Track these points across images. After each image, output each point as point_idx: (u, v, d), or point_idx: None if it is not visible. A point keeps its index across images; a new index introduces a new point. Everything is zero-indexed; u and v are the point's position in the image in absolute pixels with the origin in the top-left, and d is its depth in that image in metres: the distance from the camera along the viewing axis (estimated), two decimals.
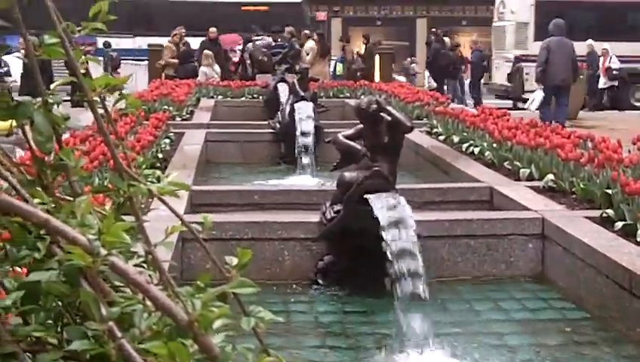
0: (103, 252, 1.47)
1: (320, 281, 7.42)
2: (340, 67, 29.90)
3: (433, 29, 30.48)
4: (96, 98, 1.72)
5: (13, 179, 1.62)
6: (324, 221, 7.48)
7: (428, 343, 5.99)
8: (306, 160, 13.43)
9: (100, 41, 32.52)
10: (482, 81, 31.16)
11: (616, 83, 28.16)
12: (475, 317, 6.81)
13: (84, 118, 5.04)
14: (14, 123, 1.76)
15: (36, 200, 1.65)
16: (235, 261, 1.65)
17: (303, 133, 13.65)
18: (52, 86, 1.78)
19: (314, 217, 7.65)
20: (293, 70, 16.36)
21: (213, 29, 26.83)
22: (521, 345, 6.19)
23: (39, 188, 1.71)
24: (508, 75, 29.10)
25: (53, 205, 1.67)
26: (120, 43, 33.77)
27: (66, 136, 1.93)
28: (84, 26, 1.78)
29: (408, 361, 5.87)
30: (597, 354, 6.03)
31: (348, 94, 19.85)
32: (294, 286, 7.45)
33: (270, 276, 7.37)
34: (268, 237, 7.58)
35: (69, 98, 14.47)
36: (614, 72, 27.79)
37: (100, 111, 1.73)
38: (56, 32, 1.65)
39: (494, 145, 11.04)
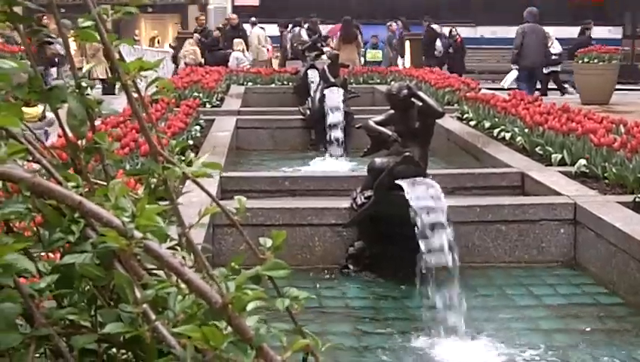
0: (138, 235, 1.47)
1: (351, 267, 7.42)
2: (372, 53, 29.77)
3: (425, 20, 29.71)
4: (130, 82, 1.72)
5: (46, 162, 1.62)
6: (354, 207, 7.47)
7: (460, 328, 5.99)
8: (336, 146, 13.41)
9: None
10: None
11: (558, 68, 26.99)
12: (507, 302, 6.79)
13: (117, 103, 5.05)
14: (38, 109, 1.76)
15: (70, 184, 1.65)
16: (269, 243, 1.64)
17: (333, 120, 13.63)
18: (85, 69, 1.78)
19: (345, 203, 7.65)
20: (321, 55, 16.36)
21: (233, 15, 26.65)
22: (553, 330, 6.17)
23: (73, 172, 1.72)
24: None
25: (86, 189, 1.68)
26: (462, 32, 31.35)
27: (96, 123, 1.92)
28: (117, 10, 1.77)
29: (441, 347, 5.86)
30: (630, 339, 6.00)
31: (378, 80, 19.79)
32: (325, 272, 7.46)
33: (301, 262, 7.38)
34: (299, 223, 7.58)
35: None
36: (553, 57, 26.76)
37: (134, 95, 1.73)
38: (90, 15, 1.66)
39: (526, 130, 10.99)
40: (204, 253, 1.63)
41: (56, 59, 21.54)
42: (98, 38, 1.68)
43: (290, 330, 1.57)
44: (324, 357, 1.58)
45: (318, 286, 7.15)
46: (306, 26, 25.77)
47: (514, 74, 21.61)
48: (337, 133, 13.54)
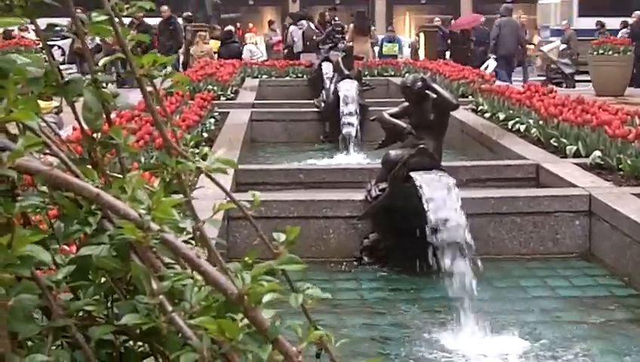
0: (155, 227, 1.48)
1: (365, 259, 7.42)
2: (388, 47, 29.71)
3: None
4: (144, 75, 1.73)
5: (63, 155, 1.63)
6: (369, 199, 7.47)
7: (475, 320, 5.98)
8: (350, 138, 13.41)
9: None
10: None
11: None
12: (522, 294, 6.79)
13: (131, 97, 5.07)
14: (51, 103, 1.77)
15: (86, 178, 1.66)
16: (282, 237, 1.65)
17: (348, 112, 13.62)
18: (101, 62, 1.79)
19: (359, 195, 7.65)
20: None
21: (164, 8, 25.77)
22: (568, 322, 6.16)
23: (89, 166, 1.73)
24: None
25: (102, 182, 1.69)
26: None
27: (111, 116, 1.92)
28: (132, 4, 1.78)
29: (456, 338, 5.87)
30: None
31: (392, 72, 19.79)
32: (340, 264, 7.46)
33: (316, 254, 7.39)
34: (313, 215, 7.59)
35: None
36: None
37: (149, 88, 1.73)
38: (104, 10, 1.66)
39: (540, 122, 10.97)
40: (219, 248, 1.64)
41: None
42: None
43: (304, 325, 1.58)
44: (337, 351, 1.59)
45: (332, 278, 7.16)
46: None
47: (493, 63, 23.78)
48: (350, 126, 13.53)
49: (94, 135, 1.73)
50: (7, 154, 1.46)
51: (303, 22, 25.64)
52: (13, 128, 1.61)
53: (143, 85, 1.69)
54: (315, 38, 23.68)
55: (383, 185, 7.38)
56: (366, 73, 18.04)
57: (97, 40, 22.55)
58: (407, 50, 32.30)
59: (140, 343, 1.61)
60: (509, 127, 11.70)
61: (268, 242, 1.64)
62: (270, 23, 30.87)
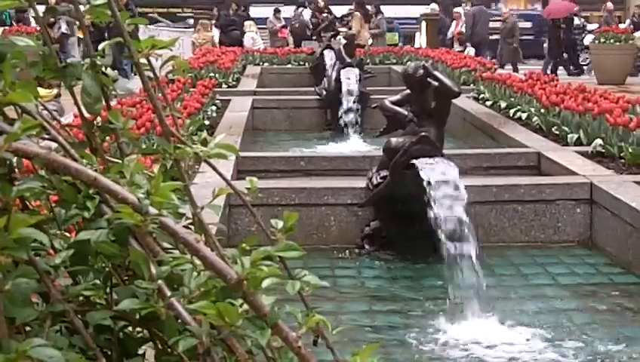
0: (153, 211, 1.47)
1: (367, 247, 7.42)
2: (388, 37, 29.60)
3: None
4: (144, 60, 1.71)
5: (62, 139, 1.63)
6: (370, 187, 7.46)
7: (476, 307, 5.98)
8: (351, 126, 13.40)
9: None
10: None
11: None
12: (523, 281, 6.79)
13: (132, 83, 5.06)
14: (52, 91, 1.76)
15: (84, 162, 1.65)
16: (280, 224, 1.64)
17: (349, 99, 13.62)
18: (100, 47, 1.78)
19: (360, 183, 7.64)
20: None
21: None
22: (569, 310, 6.16)
23: (88, 151, 1.72)
24: None
25: (101, 167, 1.68)
26: None
27: (113, 103, 1.89)
28: None
29: (456, 326, 5.87)
30: None
31: (394, 60, 19.76)
32: (341, 251, 7.46)
33: (317, 242, 7.38)
34: (314, 202, 7.58)
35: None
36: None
37: (149, 74, 1.72)
38: None
39: (542, 110, 10.95)
40: (220, 234, 1.63)
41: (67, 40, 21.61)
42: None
43: (303, 312, 1.57)
44: (337, 338, 1.58)
45: (333, 265, 7.15)
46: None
47: (472, 50, 24.43)
48: (352, 114, 13.52)
49: (93, 120, 1.72)
50: (3, 137, 1.45)
51: (299, 9, 25.93)
52: (12, 113, 1.60)
53: (141, 70, 1.69)
54: (294, 23, 24.21)
55: (384, 173, 7.36)
56: (368, 61, 18.02)
57: (63, 29, 22.57)
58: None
59: (138, 328, 1.60)
60: (511, 115, 11.68)
61: (266, 229, 1.63)
62: (276, 10, 30.85)
